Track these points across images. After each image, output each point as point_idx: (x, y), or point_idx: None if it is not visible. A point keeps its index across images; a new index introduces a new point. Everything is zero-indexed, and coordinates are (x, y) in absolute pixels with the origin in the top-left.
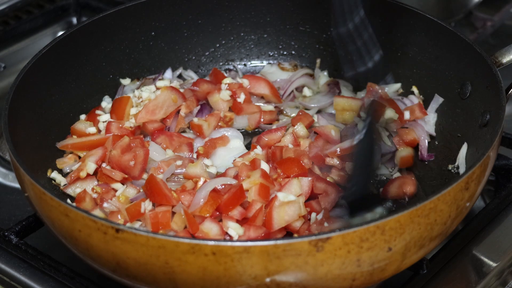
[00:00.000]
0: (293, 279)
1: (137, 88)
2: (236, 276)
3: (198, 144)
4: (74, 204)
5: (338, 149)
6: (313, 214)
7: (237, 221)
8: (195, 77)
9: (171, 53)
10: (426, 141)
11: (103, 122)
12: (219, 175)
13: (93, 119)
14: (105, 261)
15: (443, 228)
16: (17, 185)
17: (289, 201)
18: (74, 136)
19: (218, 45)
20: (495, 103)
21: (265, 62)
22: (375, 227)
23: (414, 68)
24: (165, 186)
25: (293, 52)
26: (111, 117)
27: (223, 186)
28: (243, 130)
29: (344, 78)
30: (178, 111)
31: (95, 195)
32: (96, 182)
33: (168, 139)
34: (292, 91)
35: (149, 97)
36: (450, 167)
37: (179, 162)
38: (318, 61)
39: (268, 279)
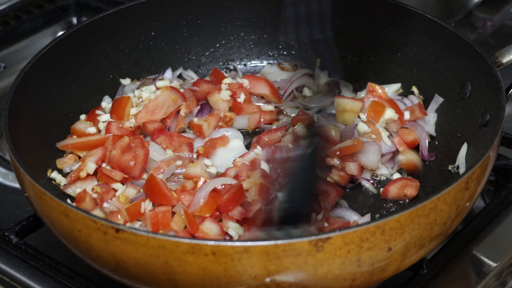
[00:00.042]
0: (293, 279)
1: (137, 88)
2: (236, 276)
3: (198, 144)
4: (74, 204)
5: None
6: (313, 214)
7: (237, 221)
8: (195, 77)
9: (171, 53)
10: (427, 141)
11: (103, 122)
12: (219, 175)
13: (93, 119)
14: (105, 261)
15: (443, 228)
16: (17, 185)
17: None
18: (74, 136)
19: (218, 45)
20: (495, 103)
21: (265, 62)
22: (375, 227)
23: (414, 68)
24: (165, 186)
25: (293, 52)
26: (111, 117)
27: (223, 186)
28: (243, 130)
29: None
30: (178, 111)
31: (95, 195)
32: (96, 182)
33: (168, 139)
34: (292, 91)
35: (149, 97)
36: (450, 167)
37: (179, 162)
38: (318, 61)
39: (268, 279)
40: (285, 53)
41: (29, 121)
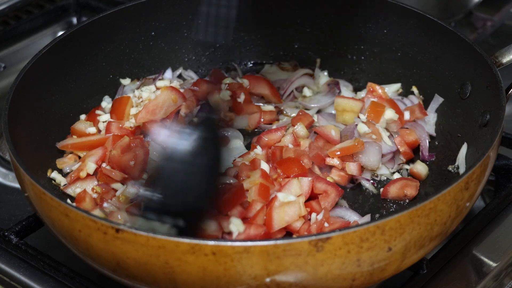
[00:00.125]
0: (293, 279)
1: (137, 88)
2: (236, 276)
3: None
4: (74, 204)
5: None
6: (313, 214)
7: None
8: (195, 77)
9: (171, 53)
10: (427, 141)
11: (103, 122)
12: None
13: (93, 119)
14: (105, 261)
15: (443, 228)
16: (17, 185)
17: (289, 201)
18: (74, 136)
19: (218, 45)
20: (495, 103)
21: (265, 62)
22: (375, 227)
23: (414, 68)
24: None
25: (293, 52)
26: (111, 117)
27: (223, 186)
28: (243, 130)
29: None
30: (178, 111)
31: (95, 195)
32: (96, 182)
33: None
34: (292, 91)
35: (149, 97)
36: (450, 167)
37: None
38: (318, 61)
39: (268, 279)
40: (285, 53)
41: (29, 121)
